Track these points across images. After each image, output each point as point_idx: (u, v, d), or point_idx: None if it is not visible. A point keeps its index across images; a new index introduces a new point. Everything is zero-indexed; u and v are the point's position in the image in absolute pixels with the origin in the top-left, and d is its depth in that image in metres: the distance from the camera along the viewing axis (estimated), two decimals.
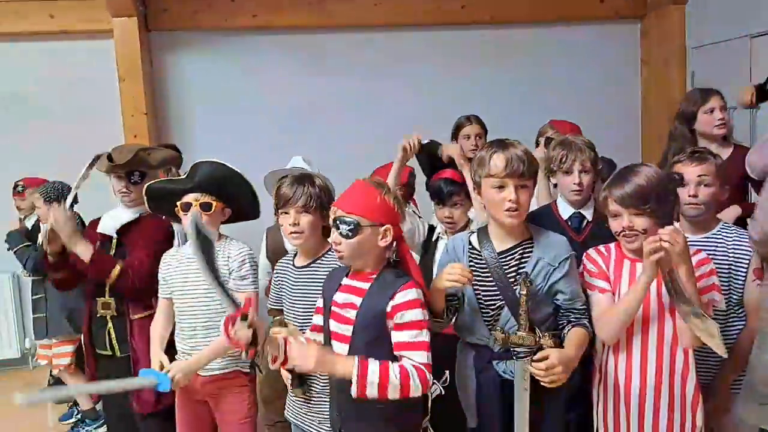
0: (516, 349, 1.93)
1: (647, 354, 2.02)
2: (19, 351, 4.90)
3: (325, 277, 2.11)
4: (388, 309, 1.81)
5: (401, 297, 1.81)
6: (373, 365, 1.74)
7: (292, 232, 2.23)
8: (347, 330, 1.88)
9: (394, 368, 1.75)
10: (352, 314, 1.87)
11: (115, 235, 2.73)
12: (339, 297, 1.93)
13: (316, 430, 2.21)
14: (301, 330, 2.12)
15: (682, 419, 2.02)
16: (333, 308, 1.93)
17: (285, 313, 2.35)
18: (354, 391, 1.72)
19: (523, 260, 1.99)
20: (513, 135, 2.10)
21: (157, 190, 2.48)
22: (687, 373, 2.02)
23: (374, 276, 1.89)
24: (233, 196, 2.45)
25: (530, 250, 2.00)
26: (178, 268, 2.50)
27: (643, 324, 2.03)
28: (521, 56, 5.20)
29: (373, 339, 1.83)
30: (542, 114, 3.80)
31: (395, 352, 1.82)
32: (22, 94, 4.85)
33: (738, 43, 4.52)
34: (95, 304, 2.74)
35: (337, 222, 1.85)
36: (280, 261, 2.42)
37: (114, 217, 2.78)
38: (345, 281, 1.95)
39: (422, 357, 1.78)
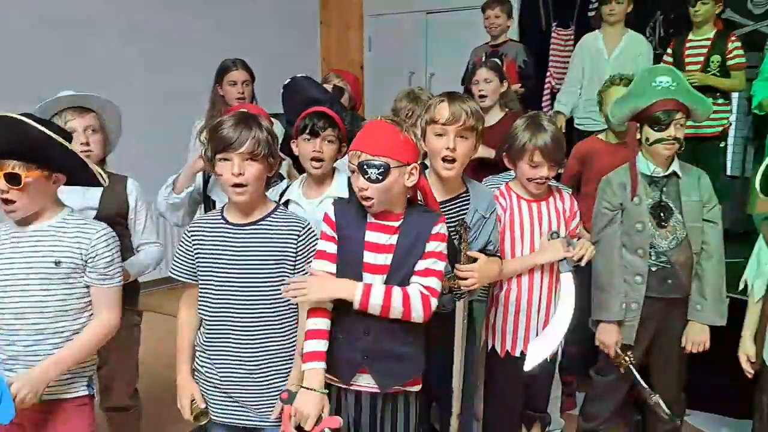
0: (458, 292, 2.04)
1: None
2: None
3: (275, 235, 1.93)
4: (426, 246, 1.83)
5: (437, 229, 1.86)
6: (377, 288, 1.79)
7: (236, 184, 1.88)
8: (380, 279, 1.84)
9: (396, 292, 1.80)
10: (385, 259, 1.85)
11: None
12: (374, 237, 1.85)
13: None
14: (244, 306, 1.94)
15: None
16: (366, 254, 1.84)
17: (212, 280, 1.95)
18: (356, 305, 1.78)
19: (461, 213, 2.11)
20: None
21: None
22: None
23: (403, 215, 1.87)
24: (51, 159, 1.83)
25: (467, 202, 2.13)
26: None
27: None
28: None
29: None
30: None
31: (411, 279, 1.84)
32: None
33: (410, 18, 5.26)
34: None
35: (364, 166, 1.75)
36: (199, 218, 2.02)
37: None
38: (372, 219, 1.86)
39: (432, 282, 1.83)
